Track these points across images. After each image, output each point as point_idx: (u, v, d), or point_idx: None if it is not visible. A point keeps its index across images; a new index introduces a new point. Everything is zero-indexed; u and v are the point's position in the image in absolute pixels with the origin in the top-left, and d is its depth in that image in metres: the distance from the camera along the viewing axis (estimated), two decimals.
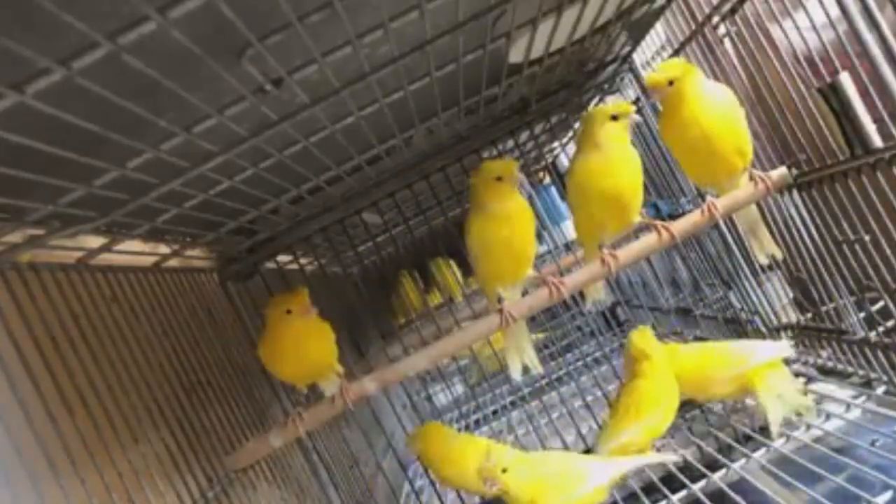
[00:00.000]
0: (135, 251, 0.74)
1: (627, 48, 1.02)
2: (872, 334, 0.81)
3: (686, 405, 1.00)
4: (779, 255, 0.89)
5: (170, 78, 0.40)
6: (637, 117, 0.82)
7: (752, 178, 0.81)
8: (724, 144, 0.78)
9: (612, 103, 0.86)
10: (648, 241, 0.83)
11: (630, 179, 0.79)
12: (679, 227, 0.81)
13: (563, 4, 0.63)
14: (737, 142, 0.79)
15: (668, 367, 0.91)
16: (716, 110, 0.77)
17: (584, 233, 0.87)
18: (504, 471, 0.80)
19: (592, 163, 0.79)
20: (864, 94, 0.71)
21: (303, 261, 1.05)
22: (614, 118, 0.79)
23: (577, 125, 1.27)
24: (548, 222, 1.62)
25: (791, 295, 1.02)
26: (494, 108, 0.93)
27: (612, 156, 0.79)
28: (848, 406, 0.85)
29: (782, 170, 0.82)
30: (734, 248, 1.08)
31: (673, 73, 0.77)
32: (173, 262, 0.83)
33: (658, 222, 0.81)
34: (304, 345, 0.78)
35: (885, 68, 0.66)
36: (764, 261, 0.91)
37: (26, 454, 0.49)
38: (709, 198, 0.82)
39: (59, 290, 0.60)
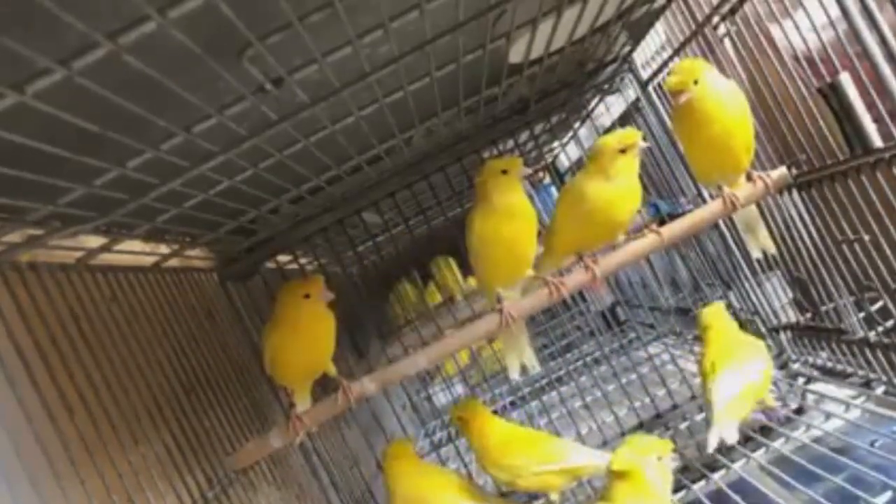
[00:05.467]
0: (135, 251, 0.74)
1: (627, 48, 1.02)
2: (872, 334, 0.81)
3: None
4: (770, 250, 0.89)
5: (170, 78, 0.40)
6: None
7: (751, 178, 0.81)
8: (738, 140, 0.78)
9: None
10: (642, 244, 0.83)
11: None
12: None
13: (563, 4, 0.63)
14: (747, 138, 0.79)
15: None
16: (734, 106, 0.77)
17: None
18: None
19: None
20: (864, 94, 0.72)
21: (303, 261, 1.05)
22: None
23: (576, 125, 1.27)
24: (548, 222, 1.62)
25: (791, 295, 1.02)
26: (494, 108, 0.93)
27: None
28: (848, 406, 0.85)
29: (782, 170, 0.81)
30: (734, 248, 1.08)
31: (696, 73, 0.76)
32: (173, 262, 0.83)
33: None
34: (318, 331, 0.77)
35: (885, 68, 0.66)
36: (756, 255, 0.91)
37: (26, 454, 0.49)
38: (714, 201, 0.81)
39: (59, 290, 0.60)
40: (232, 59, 0.42)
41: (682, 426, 1.04)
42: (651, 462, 0.70)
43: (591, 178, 0.81)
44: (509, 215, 0.80)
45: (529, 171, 0.82)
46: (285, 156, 0.63)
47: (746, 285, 1.07)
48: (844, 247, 0.79)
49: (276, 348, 0.77)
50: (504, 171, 0.80)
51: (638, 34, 0.97)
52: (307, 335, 0.77)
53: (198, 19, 0.34)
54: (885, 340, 0.79)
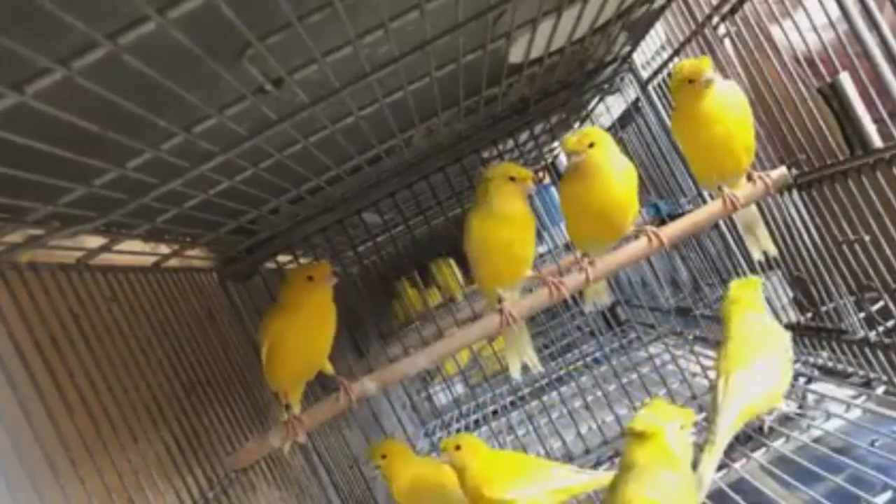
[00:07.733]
0: (135, 251, 0.74)
1: (627, 48, 1.02)
2: (872, 334, 0.81)
3: None
4: (772, 252, 0.89)
5: (170, 78, 0.40)
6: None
7: (751, 178, 0.81)
8: (738, 141, 0.78)
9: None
10: (638, 246, 0.83)
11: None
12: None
13: (563, 4, 0.63)
14: (748, 139, 0.79)
15: None
16: (735, 108, 0.77)
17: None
18: (458, 447, 0.82)
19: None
20: (864, 94, 0.72)
21: (303, 261, 1.05)
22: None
23: (576, 125, 1.27)
24: (548, 222, 1.62)
25: (791, 295, 1.02)
26: (494, 108, 0.93)
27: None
28: (848, 406, 0.85)
29: (782, 170, 0.82)
30: (734, 247, 1.08)
31: (709, 68, 0.75)
32: (173, 262, 0.83)
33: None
34: (320, 316, 0.76)
35: (885, 68, 0.66)
36: (757, 257, 0.91)
37: (26, 454, 0.49)
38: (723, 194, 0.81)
39: (59, 290, 0.60)
40: (232, 59, 0.42)
41: None
42: (674, 428, 0.64)
43: (567, 176, 0.83)
44: (507, 219, 0.80)
45: (534, 188, 0.82)
46: (285, 156, 0.63)
47: None
48: (844, 247, 0.79)
49: (277, 332, 0.75)
50: (512, 178, 0.80)
51: (638, 34, 0.97)
52: (309, 320, 0.75)
53: (198, 19, 0.34)
54: (886, 340, 0.79)
